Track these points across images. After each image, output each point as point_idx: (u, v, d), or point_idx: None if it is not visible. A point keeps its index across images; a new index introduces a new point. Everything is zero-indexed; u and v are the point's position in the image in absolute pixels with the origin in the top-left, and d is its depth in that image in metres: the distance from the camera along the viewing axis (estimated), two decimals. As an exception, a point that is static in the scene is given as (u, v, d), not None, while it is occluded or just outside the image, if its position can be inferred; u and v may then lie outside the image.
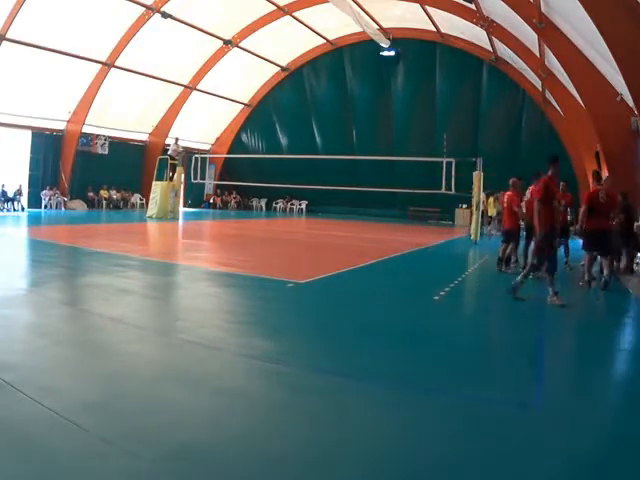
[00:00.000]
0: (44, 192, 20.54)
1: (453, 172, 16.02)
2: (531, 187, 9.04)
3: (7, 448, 2.53)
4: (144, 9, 18.88)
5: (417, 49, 23.73)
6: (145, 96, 22.60)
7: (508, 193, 9.37)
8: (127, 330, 4.68)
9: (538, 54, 15.66)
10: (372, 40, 22.65)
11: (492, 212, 17.22)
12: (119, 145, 23.19)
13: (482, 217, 18.15)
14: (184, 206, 25.26)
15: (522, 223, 9.29)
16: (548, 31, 12.58)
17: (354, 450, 2.73)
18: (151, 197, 19.23)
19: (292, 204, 28.31)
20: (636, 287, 8.30)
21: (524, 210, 9.06)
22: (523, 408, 3.40)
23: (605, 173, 11.73)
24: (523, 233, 9.43)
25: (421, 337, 5.06)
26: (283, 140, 28.05)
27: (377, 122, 25.50)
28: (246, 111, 28.37)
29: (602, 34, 8.71)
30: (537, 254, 6.70)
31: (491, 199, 17.17)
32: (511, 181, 9.37)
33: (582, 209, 7.97)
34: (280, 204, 28.75)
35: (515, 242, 9.32)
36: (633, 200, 9.42)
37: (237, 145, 28.71)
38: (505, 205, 9.42)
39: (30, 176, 20.59)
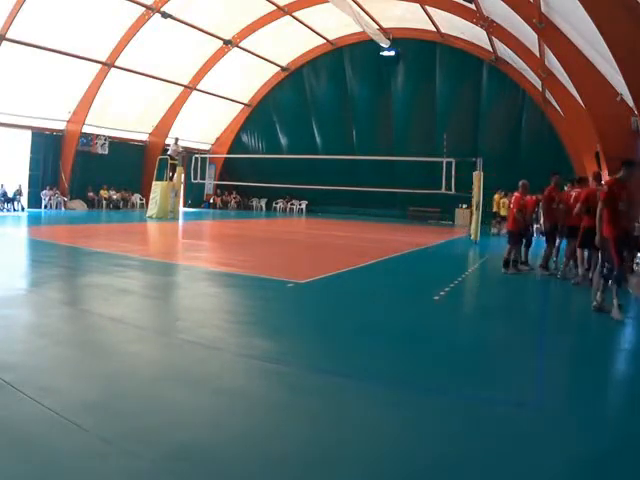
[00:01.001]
0: (44, 192, 20.53)
1: (453, 172, 16.01)
2: (548, 188, 9.12)
3: (7, 448, 2.53)
4: (144, 9, 18.88)
5: (417, 49, 23.72)
6: (145, 96, 22.59)
7: (515, 194, 9.46)
8: (127, 330, 4.68)
9: (538, 54, 15.65)
10: (372, 40, 22.64)
11: (505, 212, 17.25)
12: (119, 145, 23.18)
13: (494, 217, 18.25)
14: (184, 206, 25.27)
15: (539, 225, 9.43)
16: (548, 31, 12.57)
17: (354, 450, 2.73)
18: (151, 197, 19.22)
19: (292, 204, 28.30)
20: (636, 287, 8.29)
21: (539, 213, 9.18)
22: (523, 408, 3.40)
23: (605, 173, 11.74)
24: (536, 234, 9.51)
25: (421, 337, 5.07)
26: (283, 140, 28.04)
27: (377, 122, 25.49)
28: (246, 111, 28.37)
29: (602, 34, 8.70)
30: (612, 262, 6.17)
31: (504, 199, 17.21)
32: (520, 183, 9.40)
33: (577, 206, 8.07)
34: (280, 204, 28.74)
35: (516, 243, 9.36)
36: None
37: (237, 145, 28.71)
38: (511, 206, 9.52)
39: (30, 176, 20.57)
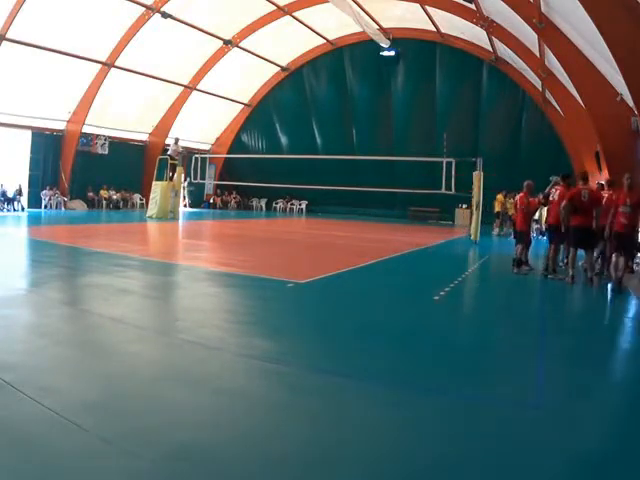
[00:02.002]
0: (44, 192, 20.53)
1: (453, 172, 16.00)
2: (559, 188, 9.06)
3: (7, 448, 2.53)
4: (144, 9, 18.87)
5: (417, 49, 23.72)
6: (145, 96, 22.59)
7: (520, 195, 9.50)
8: (127, 330, 4.68)
9: (538, 54, 15.65)
10: (372, 40, 22.64)
11: (512, 211, 17.27)
12: (119, 145, 23.18)
13: (497, 217, 18.25)
14: (184, 206, 25.26)
15: (539, 225, 9.46)
16: (548, 31, 12.57)
17: (354, 450, 2.73)
18: (151, 197, 19.22)
19: (292, 204, 28.30)
20: (636, 287, 8.30)
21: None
22: (523, 408, 3.40)
23: (605, 173, 11.75)
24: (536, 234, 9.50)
25: (421, 337, 5.06)
26: (283, 140, 28.05)
27: (377, 122, 25.50)
28: (246, 111, 28.37)
29: (602, 34, 8.69)
30: None
31: (511, 200, 17.23)
32: (525, 183, 9.44)
33: (562, 204, 8.28)
34: (280, 204, 28.74)
35: (524, 243, 9.35)
36: None
37: (237, 145, 28.70)
38: (518, 206, 9.53)
39: (30, 176, 20.56)
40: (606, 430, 3.26)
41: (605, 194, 8.88)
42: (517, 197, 9.86)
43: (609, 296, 7.94)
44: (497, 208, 18.23)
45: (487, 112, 23.00)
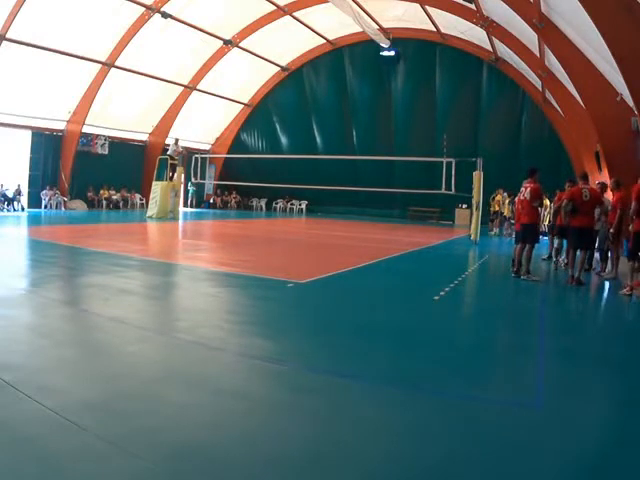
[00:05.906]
0: (44, 192, 20.51)
1: (453, 172, 16.00)
2: (528, 186, 8.85)
3: (7, 448, 2.52)
4: (144, 9, 18.86)
5: (417, 49, 23.73)
6: (145, 96, 22.58)
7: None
8: (127, 330, 4.67)
9: (538, 54, 15.66)
10: (372, 40, 22.63)
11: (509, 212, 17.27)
12: (119, 145, 23.17)
13: (497, 217, 18.25)
14: (184, 206, 25.24)
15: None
16: (548, 31, 12.57)
17: (354, 450, 2.73)
18: (151, 197, 19.22)
19: (292, 204, 28.30)
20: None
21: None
22: (523, 408, 3.40)
23: (605, 173, 11.75)
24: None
25: (421, 337, 5.06)
26: (283, 140, 28.05)
27: (377, 122, 25.51)
28: (246, 111, 28.37)
29: (602, 34, 8.70)
30: None
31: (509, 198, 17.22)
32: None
33: (565, 203, 8.32)
34: (280, 204, 28.74)
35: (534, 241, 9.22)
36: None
37: (237, 145, 28.70)
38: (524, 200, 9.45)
39: (30, 176, 20.56)
40: (606, 430, 3.26)
41: (609, 195, 8.90)
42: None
43: (606, 295, 7.94)
44: (496, 208, 18.24)
45: (487, 112, 23.01)
